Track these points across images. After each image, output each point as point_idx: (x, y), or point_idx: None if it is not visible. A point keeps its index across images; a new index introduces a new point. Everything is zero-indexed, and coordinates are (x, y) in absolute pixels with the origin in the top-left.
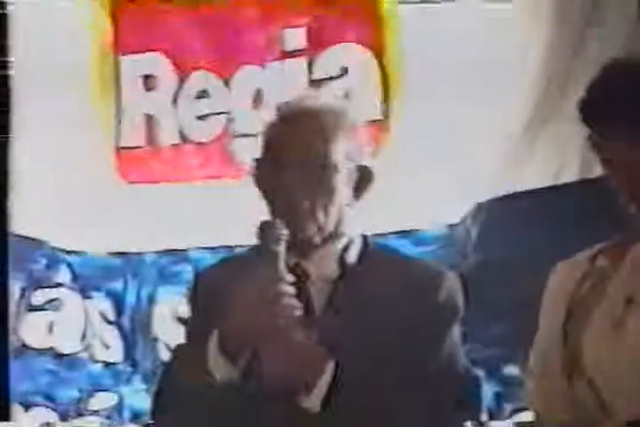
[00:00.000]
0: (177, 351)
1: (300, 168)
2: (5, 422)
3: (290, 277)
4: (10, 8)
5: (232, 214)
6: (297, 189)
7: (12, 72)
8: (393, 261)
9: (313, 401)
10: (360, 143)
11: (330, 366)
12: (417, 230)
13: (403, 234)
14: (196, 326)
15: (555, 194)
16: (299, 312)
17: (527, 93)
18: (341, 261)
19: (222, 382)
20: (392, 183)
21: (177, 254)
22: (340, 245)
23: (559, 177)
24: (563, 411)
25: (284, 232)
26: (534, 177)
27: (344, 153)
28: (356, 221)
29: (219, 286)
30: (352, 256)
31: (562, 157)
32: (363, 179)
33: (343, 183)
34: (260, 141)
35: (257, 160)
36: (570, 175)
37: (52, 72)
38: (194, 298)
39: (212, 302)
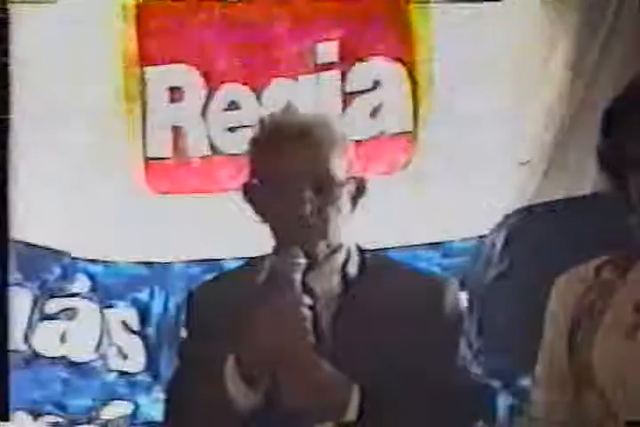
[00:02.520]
0: (183, 376)
1: (309, 193)
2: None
3: (308, 301)
4: (28, 17)
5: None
6: (308, 214)
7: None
8: (392, 272)
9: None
10: (351, 154)
11: (355, 392)
12: (445, 242)
13: (432, 246)
14: (197, 346)
15: (575, 205)
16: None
17: (551, 105)
18: (343, 274)
19: (245, 409)
20: (421, 194)
21: (208, 264)
22: (340, 257)
23: (578, 189)
24: (570, 421)
25: (302, 261)
26: (556, 188)
27: (343, 167)
28: (353, 231)
29: (221, 306)
30: (352, 269)
31: (585, 169)
32: (358, 190)
33: (345, 198)
34: (248, 163)
35: (253, 187)
36: (589, 187)
37: (75, 81)
38: (191, 316)
39: (215, 323)
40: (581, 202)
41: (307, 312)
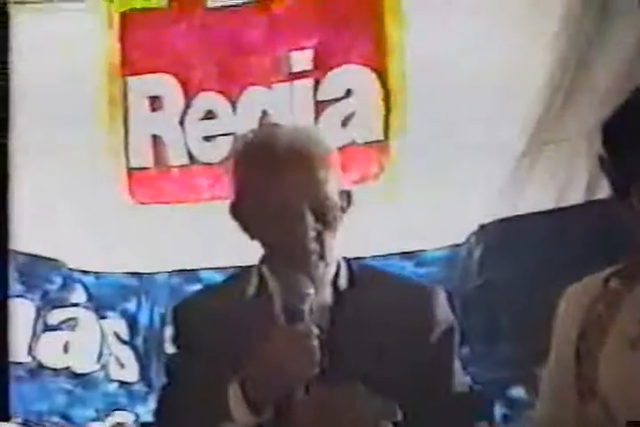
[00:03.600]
0: (177, 394)
1: (310, 220)
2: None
3: (316, 331)
4: (16, 28)
5: (240, 234)
6: (309, 241)
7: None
8: (381, 282)
9: None
10: (337, 167)
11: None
12: (419, 251)
13: (405, 255)
14: (189, 363)
15: (559, 216)
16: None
17: (530, 113)
18: (334, 287)
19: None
20: (394, 203)
21: (188, 275)
22: (332, 271)
23: (563, 199)
24: None
25: (312, 291)
26: (538, 199)
27: (335, 184)
28: (342, 244)
29: (212, 322)
30: (343, 281)
31: (566, 179)
32: (347, 204)
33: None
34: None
35: (244, 208)
36: (574, 197)
37: (60, 92)
38: (180, 331)
39: (207, 339)
40: (564, 213)
41: (316, 343)
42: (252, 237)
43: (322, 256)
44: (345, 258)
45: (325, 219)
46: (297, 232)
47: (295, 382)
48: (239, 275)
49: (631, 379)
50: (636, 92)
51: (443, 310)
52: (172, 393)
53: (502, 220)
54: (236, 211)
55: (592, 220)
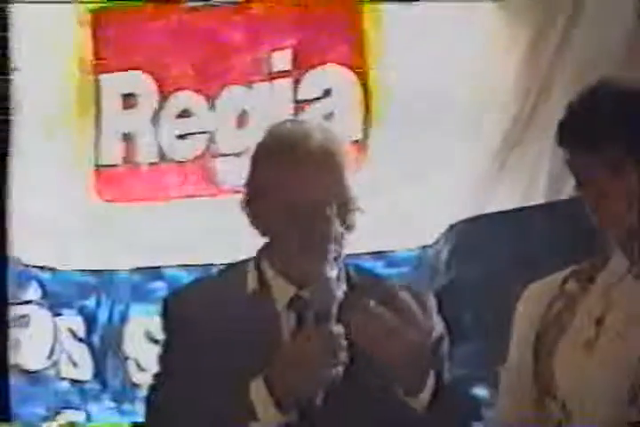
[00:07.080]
0: (177, 387)
1: (337, 227)
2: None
3: (342, 330)
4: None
5: (211, 233)
6: (332, 241)
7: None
8: (377, 286)
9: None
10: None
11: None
12: (390, 251)
13: (376, 255)
14: (188, 357)
15: (522, 216)
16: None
17: (501, 117)
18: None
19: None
20: (368, 204)
21: (151, 272)
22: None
23: (527, 199)
24: None
25: (340, 294)
26: (504, 199)
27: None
28: None
29: (208, 316)
30: (343, 284)
31: (531, 179)
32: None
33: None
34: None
35: (262, 204)
36: (538, 197)
37: (32, 89)
38: (175, 325)
39: (206, 334)
40: (530, 212)
41: (344, 343)
42: (264, 233)
43: (337, 257)
44: (343, 260)
45: (348, 221)
46: (323, 235)
47: (322, 382)
48: (233, 268)
49: (586, 379)
50: (587, 94)
51: (436, 316)
52: (170, 391)
53: (467, 220)
54: (253, 205)
55: (555, 220)
